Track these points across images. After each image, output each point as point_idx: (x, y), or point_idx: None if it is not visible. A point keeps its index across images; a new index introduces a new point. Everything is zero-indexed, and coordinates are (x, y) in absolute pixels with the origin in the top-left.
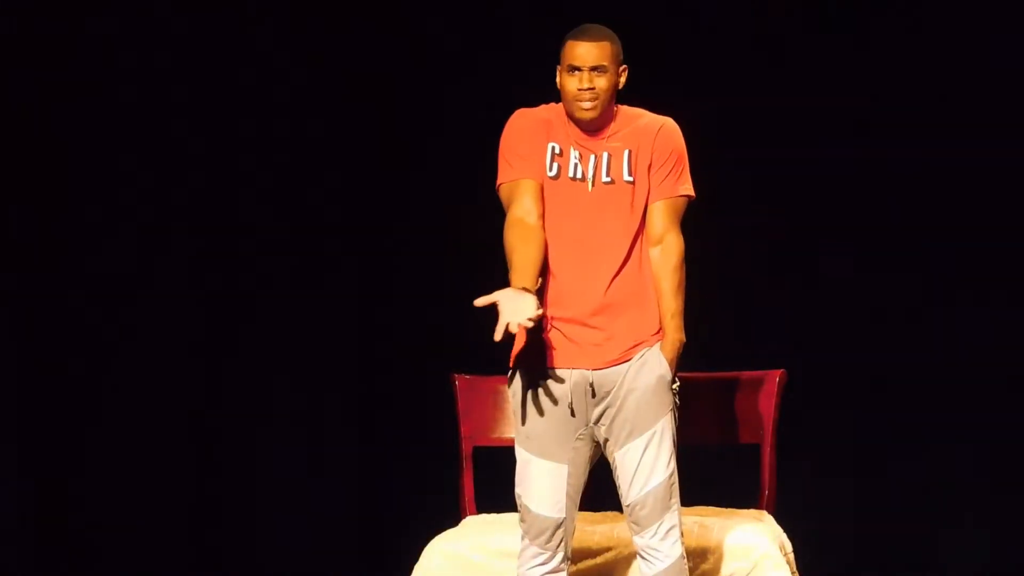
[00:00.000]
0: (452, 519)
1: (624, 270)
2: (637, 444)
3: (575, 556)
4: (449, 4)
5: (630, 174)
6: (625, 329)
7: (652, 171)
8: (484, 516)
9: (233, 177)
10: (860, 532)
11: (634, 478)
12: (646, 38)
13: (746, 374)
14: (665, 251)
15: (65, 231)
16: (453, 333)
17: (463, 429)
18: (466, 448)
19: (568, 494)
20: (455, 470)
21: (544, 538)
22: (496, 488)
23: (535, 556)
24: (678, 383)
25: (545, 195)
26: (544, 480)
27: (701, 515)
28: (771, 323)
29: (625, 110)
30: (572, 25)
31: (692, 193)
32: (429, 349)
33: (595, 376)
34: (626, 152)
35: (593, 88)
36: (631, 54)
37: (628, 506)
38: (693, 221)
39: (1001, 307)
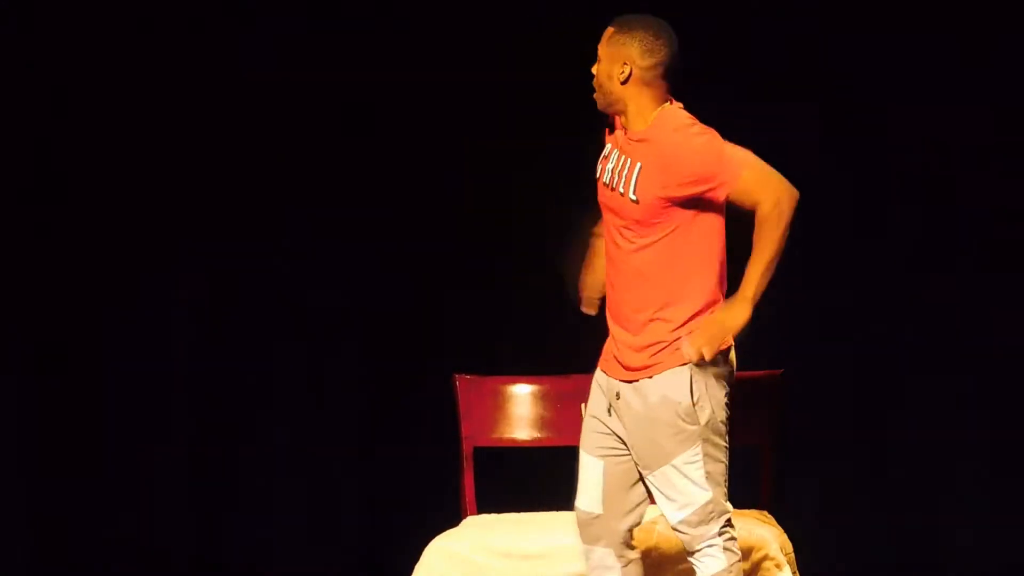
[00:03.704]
0: (452, 519)
1: (628, 283)
2: (653, 480)
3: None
4: None
5: (634, 192)
6: (626, 347)
7: (684, 194)
8: (484, 516)
9: (235, 185)
10: (860, 532)
11: (665, 506)
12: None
13: (746, 374)
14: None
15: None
16: (453, 333)
17: (464, 429)
18: (467, 448)
19: (606, 491)
20: (455, 470)
21: (585, 534)
22: (497, 488)
23: (586, 554)
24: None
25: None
26: (585, 473)
27: None
28: (771, 323)
29: (664, 117)
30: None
31: (728, 176)
32: (429, 349)
33: (612, 384)
34: (637, 166)
35: (593, 74)
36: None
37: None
38: None
39: (1004, 302)
